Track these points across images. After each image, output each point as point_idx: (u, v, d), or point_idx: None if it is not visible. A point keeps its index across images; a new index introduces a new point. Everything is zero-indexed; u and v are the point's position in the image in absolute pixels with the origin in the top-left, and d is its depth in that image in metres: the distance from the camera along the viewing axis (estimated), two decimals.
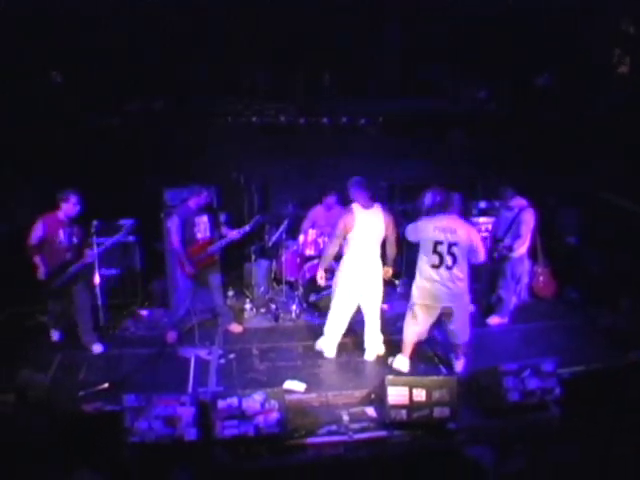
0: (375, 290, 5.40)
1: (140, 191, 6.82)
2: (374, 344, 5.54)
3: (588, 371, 5.15)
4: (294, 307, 6.48)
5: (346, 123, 7.36)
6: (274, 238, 6.79)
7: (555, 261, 6.86)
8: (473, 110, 7.25)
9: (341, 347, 5.65)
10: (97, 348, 5.56)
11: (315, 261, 6.47)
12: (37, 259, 5.22)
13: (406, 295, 5.59)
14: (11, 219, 6.17)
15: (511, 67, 6.73)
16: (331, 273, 6.20)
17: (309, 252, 6.74)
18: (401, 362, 5.29)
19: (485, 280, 6.56)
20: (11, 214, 6.23)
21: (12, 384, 4.59)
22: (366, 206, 5.23)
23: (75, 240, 5.36)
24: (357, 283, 5.33)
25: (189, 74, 6.35)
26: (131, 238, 6.60)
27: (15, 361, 5.11)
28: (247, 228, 5.87)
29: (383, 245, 5.37)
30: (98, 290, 5.63)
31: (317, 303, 6.46)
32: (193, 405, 4.24)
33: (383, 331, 5.60)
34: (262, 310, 6.62)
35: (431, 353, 5.62)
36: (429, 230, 5.02)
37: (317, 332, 5.75)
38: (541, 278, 6.78)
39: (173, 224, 5.56)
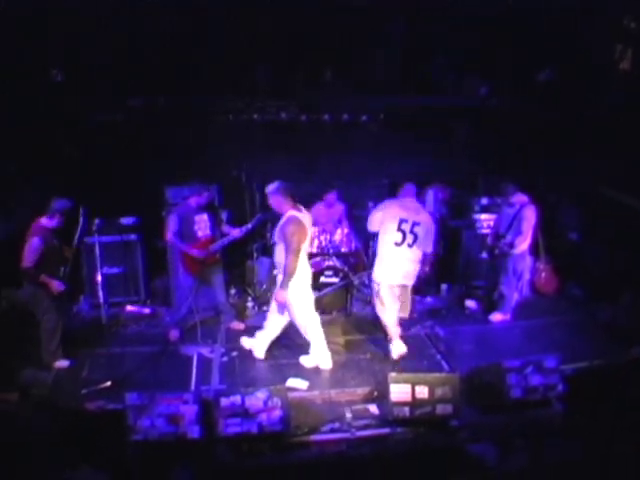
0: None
1: (141, 189, 6.81)
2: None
3: (591, 367, 5.14)
4: None
5: (347, 120, 7.33)
6: None
7: (557, 257, 6.85)
8: (474, 106, 7.23)
9: (343, 346, 5.67)
10: (63, 364, 5.28)
11: (317, 258, 6.48)
12: (43, 278, 5.05)
13: None
14: (11, 219, 6.16)
15: (511, 65, 6.71)
16: (334, 270, 6.21)
17: (310, 249, 6.73)
18: (398, 347, 5.35)
19: (487, 277, 6.56)
20: (11, 214, 6.22)
21: (15, 383, 4.61)
22: (299, 209, 5.04)
23: (56, 241, 5.24)
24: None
25: (189, 72, 6.34)
26: (132, 236, 6.60)
27: (18, 360, 5.12)
28: (249, 226, 5.88)
29: None
30: (100, 288, 5.62)
31: (319, 300, 6.45)
32: (196, 403, 4.24)
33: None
34: (264, 308, 6.61)
35: (433, 350, 5.64)
36: (395, 208, 5.21)
37: None
38: (543, 274, 6.77)
39: (170, 220, 5.61)
